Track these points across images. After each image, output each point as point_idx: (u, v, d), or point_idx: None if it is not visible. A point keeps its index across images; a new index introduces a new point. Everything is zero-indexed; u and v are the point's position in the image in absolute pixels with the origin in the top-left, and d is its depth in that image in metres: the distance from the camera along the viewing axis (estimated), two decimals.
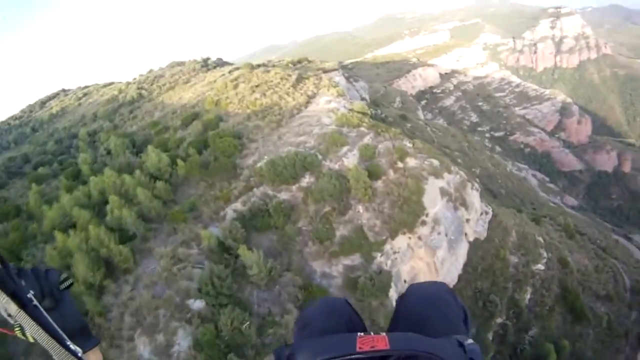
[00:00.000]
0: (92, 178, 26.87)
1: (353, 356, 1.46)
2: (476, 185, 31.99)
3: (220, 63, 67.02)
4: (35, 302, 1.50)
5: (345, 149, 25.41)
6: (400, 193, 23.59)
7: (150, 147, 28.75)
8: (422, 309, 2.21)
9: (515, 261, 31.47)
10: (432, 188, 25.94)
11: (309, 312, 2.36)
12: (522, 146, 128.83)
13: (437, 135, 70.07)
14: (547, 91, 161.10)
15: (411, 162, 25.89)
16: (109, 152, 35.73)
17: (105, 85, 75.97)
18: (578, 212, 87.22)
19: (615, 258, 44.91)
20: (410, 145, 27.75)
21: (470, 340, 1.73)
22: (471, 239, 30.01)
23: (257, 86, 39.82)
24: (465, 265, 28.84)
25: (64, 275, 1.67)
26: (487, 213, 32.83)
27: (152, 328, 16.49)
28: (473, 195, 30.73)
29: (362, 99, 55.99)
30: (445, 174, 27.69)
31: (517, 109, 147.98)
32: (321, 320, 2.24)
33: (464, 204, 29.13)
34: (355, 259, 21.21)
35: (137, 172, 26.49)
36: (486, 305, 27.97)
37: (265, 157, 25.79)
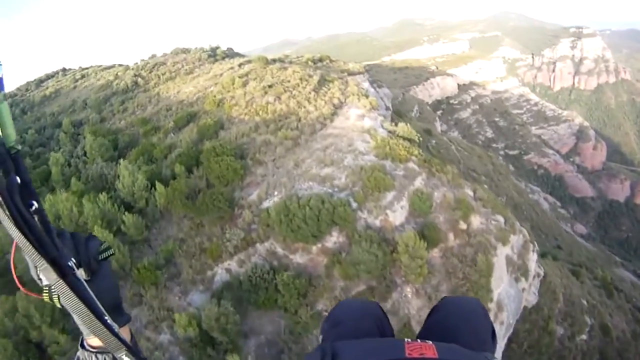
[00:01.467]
0: (48, 197, 20.36)
1: None
2: (536, 246, 25.36)
3: (231, 54, 59.21)
4: (76, 271, 1.36)
5: (390, 195, 17.98)
6: (466, 273, 16.48)
7: (123, 163, 21.64)
8: (454, 320, 2.24)
9: (560, 333, 26.65)
10: (500, 261, 19.15)
11: (340, 310, 2.36)
12: (535, 167, 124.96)
13: (463, 155, 62.91)
14: (565, 112, 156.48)
15: (475, 221, 18.81)
16: (85, 154, 29.49)
17: (105, 68, 68.51)
18: (587, 242, 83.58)
19: None
20: (472, 193, 20.58)
21: (497, 358, 1.80)
22: (521, 309, 23.96)
23: (270, 86, 32.40)
24: (510, 341, 23.07)
25: (104, 245, 1.54)
26: (539, 275, 26.66)
27: None
28: (533, 259, 24.28)
29: (387, 108, 48.62)
30: (511, 236, 20.82)
31: (533, 128, 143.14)
32: (353, 320, 2.25)
33: (525, 273, 22.83)
34: None
35: (104, 196, 19.43)
36: None
37: (276, 193, 18.55)
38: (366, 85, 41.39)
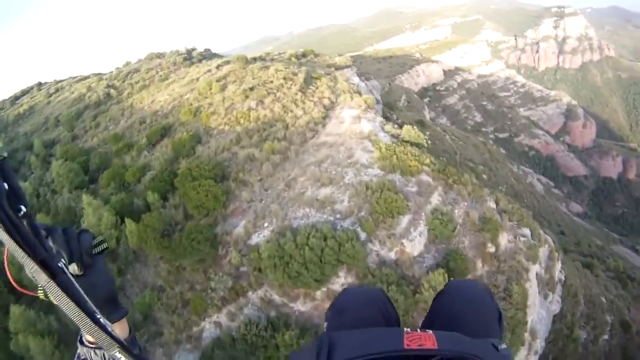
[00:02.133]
0: None
1: (399, 353, 1.41)
2: (561, 253, 22.90)
3: (208, 55, 55.18)
4: (67, 271, 1.37)
5: (405, 220, 14.88)
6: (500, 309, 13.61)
7: (86, 198, 18.50)
8: (460, 307, 2.20)
9: (584, 337, 24.64)
10: (533, 284, 16.46)
11: (345, 298, 2.32)
12: (526, 149, 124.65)
13: (458, 145, 60.07)
14: (553, 92, 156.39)
15: (503, 240, 15.94)
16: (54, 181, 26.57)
17: (79, 80, 64.55)
18: (584, 220, 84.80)
19: None
20: (494, 206, 17.62)
21: (504, 345, 1.74)
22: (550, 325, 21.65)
23: (251, 89, 29.16)
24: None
25: (98, 239, 1.53)
26: (561, 281, 24.31)
27: None
28: (558, 268, 21.88)
29: (377, 101, 45.66)
30: (540, 250, 18.11)
31: (522, 109, 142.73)
32: (358, 308, 2.21)
33: (553, 286, 20.37)
34: None
35: None
36: None
37: (266, 224, 15.42)
38: (356, 80, 38.26)
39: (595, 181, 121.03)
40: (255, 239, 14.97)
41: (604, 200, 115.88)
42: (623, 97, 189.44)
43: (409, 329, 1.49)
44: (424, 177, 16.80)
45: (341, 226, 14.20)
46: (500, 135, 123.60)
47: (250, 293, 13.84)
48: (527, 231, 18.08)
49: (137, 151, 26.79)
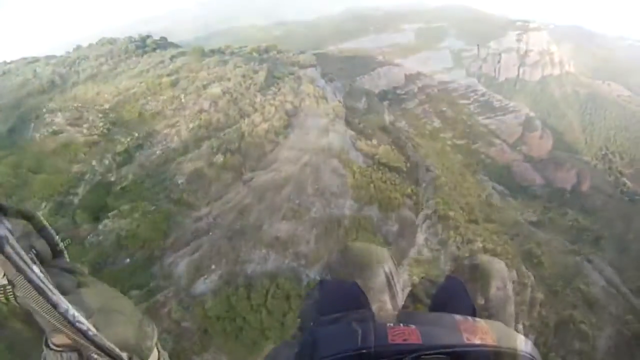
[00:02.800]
0: None
1: (384, 348, 1.42)
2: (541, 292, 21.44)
3: (163, 44, 51.45)
4: (35, 264, 1.30)
5: (385, 269, 12.31)
6: None
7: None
8: (437, 303, 2.41)
9: None
10: (521, 333, 14.15)
11: (320, 292, 2.42)
12: (483, 157, 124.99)
13: (421, 152, 58.52)
14: (512, 103, 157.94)
15: (493, 289, 13.63)
16: None
17: (29, 62, 59.51)
18: (539, 230, 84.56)
19: None
20: (481, 241, 15.24)
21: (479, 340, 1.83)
22: None
23: (205, 87, 26.20)
24: None
25: (60, 236, 1.48)
26: (537, 311, 23.13)
27: None
28: (538, 304, 20.28)
29: (341, 104, 43.35)
30: (527, 291, 16.12)
31: (480, 118, 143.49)
32: (333, 301, 2.29)
33: (533, 324, 18.82)
34: None
35: None
36: None
37: (213, 267, 12.43)
38: (322, 83, 35.27)
39: (549, 191, 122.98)
40: (199, 287, 11.94)
41: (558, 211, 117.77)
42: (580, 112, 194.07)
43: (392, 324, 1.47)
44: (406, 212, 14.12)
45: (307, 276, 11.43)
46: (458, 142, 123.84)
47: (195, 357, 10.92)
48: (514, 273, 15.90)
49: (74, 152, 23.43)
